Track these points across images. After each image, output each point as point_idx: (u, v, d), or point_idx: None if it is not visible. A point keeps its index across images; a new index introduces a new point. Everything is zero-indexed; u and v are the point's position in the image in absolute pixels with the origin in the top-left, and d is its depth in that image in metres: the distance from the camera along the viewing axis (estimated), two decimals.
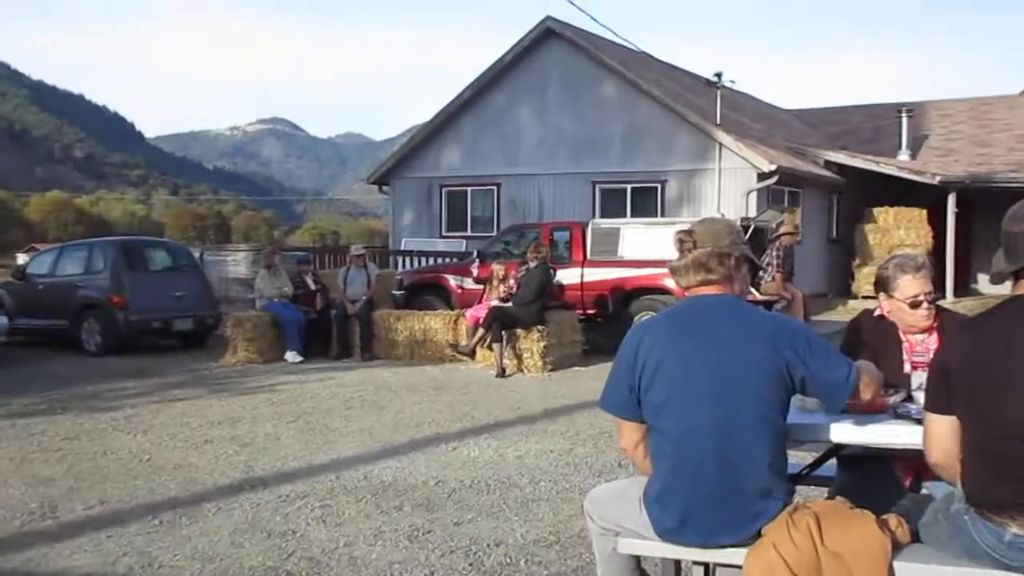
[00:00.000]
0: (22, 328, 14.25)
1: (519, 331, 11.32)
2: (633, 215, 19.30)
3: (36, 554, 4.62)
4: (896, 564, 2.78)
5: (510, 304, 11.41)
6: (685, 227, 3.18)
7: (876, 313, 3.73)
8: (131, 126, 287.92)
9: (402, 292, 14.25)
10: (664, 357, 2.92)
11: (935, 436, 2.80)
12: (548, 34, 20.93)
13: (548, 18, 20.87)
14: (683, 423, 2.90)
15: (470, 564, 4.42)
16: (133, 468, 6.36)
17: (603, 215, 19.55)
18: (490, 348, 11.23)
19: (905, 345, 3.64)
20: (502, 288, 11.77)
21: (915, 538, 2.92)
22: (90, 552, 4.65)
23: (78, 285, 13.73)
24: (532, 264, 11.58)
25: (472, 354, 11.43)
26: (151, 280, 13.76)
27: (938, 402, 2.75)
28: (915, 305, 3.55)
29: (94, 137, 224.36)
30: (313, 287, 13.32)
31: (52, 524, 5.12)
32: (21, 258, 36.75)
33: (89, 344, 13.45)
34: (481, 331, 11.21)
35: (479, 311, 11.66)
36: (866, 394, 3.00)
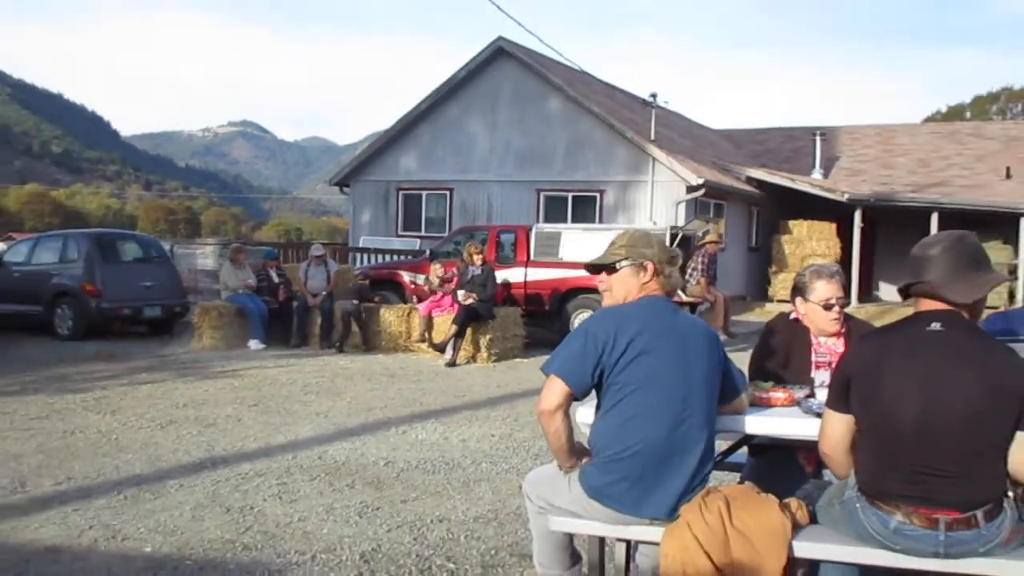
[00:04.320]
0: None
1: (478, 326, 11.32)
2: (574, 221, 19.38)
3: (6, 526, 4.51)
4: (795, 543, 2.85)
5: (472, 302, 11.32)
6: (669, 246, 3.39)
7: (791, 316, 3.81)
8: (107, 124, 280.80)
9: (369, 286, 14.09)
10: (646, 347, 2.99)
11: (829, 430, 2.88)
12: (499, 53, 20.91)
13: (500, 39, 20.85)
14: (650, 399, 2.98)
15: (414, 539, 4.42)
16: (100, 447, 6.23)
17: (546, 220, 19.65)
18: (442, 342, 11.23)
19: (814, 346, 3.72)
20: (444, 285, 11.85)
21: (813, 520, 2.99)
22: (57, 524, 4.55)
23: (53, 273, 13.37)
24: (478, 264, 11.67)
25: (443, 349, 11.28)
26: (122, 270, 13.45)
27: (838, 402, 2.83)
28: (828, 307, 3.63)
29: (71, 134, 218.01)
30: (276, 280, 13.15)
31: (22, 498, 4.99)
32: None
33: (62, 329, 13.12)
34: (455, 328, 11.12)
35: (433, 306, 11.71)
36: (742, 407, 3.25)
